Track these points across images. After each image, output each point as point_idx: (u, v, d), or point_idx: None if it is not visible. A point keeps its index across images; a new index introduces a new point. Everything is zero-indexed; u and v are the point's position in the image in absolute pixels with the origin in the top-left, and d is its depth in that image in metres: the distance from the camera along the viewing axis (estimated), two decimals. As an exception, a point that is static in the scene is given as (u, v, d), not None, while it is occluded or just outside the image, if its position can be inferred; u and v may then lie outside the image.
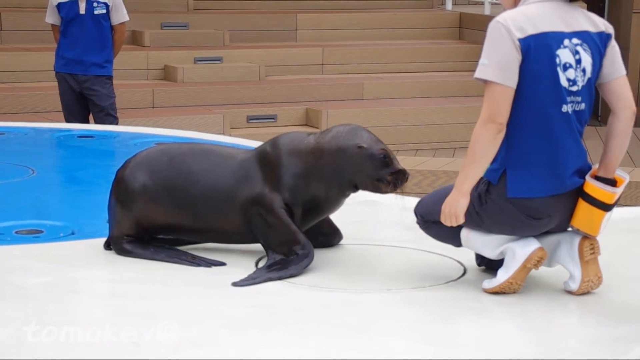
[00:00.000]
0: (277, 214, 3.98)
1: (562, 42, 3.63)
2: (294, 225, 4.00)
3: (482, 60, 3.60)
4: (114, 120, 8.01)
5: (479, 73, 3.60)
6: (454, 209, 3.65)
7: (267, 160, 4.06)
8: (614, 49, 3.74)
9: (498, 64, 3.57)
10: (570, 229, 3.78)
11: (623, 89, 3.73)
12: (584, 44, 3.66)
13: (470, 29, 13.13)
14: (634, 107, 3.73)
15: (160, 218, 4.13)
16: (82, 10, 7.89)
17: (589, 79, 3.67)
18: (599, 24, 3.72)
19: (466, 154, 3.64)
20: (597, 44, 3.69)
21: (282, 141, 4.10)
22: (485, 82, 3.60)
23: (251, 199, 4.02)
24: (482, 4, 13.95)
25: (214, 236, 4.18)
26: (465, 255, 4.09)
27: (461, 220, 3.68)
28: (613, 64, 3.72)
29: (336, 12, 13.17)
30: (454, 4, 14.34)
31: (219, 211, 4.07)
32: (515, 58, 3.58)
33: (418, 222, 3.97)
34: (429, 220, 3.90)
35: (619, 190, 3.67)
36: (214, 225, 4.11)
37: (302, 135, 4.12)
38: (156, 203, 4.11)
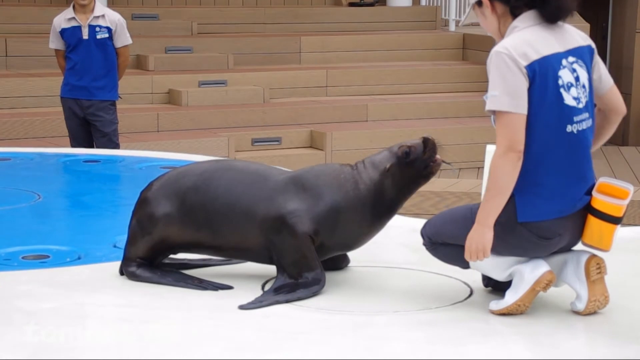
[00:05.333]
0: (299, 237, 3.96)
1: (560, 63, 3.66)
2: (314, 252, 3.98)
3: (492, 92, 3.60)
4: (116, 147, 8.02)
5: (492, 105, 3.60)
6: (481, 244, 3.64)
7: (304, 187, 4.03)
8: (598, 61, 3.81)
9: (509, 93, 3.58)
10: (581, 245, 3.78)
11: (616, 98, 3.84)
12: (579, 60, 3.70)
13: (474, 50, 13.16)
14: (624, 112, 3.87)
15: (180, 237, 4.12)
16: (85, 36, 7.90)
17: (589, 94, 3.72)
18: (585, 37, 3.79)
19: (487, 187, 3.62)
20: (588, 57, 3.75)
21: (322, 173, 4.09)
22: (495, 113, 3.60)
23: (276, 217, 3.98)
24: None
25: (234, 253, 4.17)
26: (472, 276, 4.09)
27: (488, 254, 3.66)
28: (601, 76, 3.79)
29: (340, 35, 13.22)
30: (457, 25, 14.39)
31: (239, 228, 4.04)
32: (524, 84, 3.59)
33: (425, 244, 3.97)
34: (437, 242, 3.89)
35: (626, 202, 3.68)
36: (233, 242, 4.08)
37: (337, 168, 4.09)
38: (177, 224, 4.10)
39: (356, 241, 4.11)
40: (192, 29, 12.71)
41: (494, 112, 3.61)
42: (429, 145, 4.02)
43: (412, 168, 4.01)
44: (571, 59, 3.68)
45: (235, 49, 12.26)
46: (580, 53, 3.71)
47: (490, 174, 3.61)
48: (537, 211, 3.64)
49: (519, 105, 3.59)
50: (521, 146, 3.58)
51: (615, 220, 3.67)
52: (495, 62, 3.61)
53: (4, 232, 5.23)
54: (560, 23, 3.72)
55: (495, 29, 3.76)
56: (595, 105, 3.79)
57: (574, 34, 3.76)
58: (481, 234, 3.63)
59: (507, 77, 3.58)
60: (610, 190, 3.68)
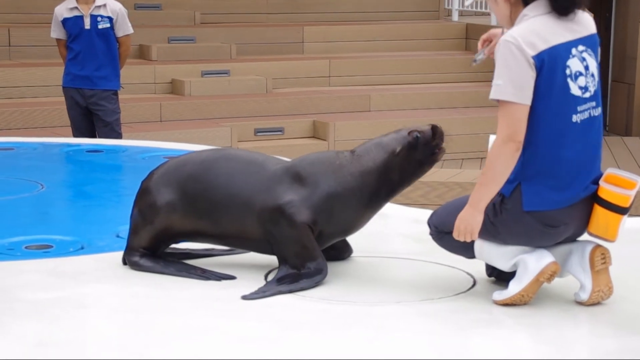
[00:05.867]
0: (298, 227, 3.96)
1: (570, 52, 3.65)
2: (314, 241, 3.99)
3: (497, 81, 3.60)
4: (118, 136, 8.02)
5: (495, 94, 3.60)
6: (470, 226, 3.65)
7: (299, 176, 4.03)
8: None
9: (513, 83, 3.57)
10: (587, 235, 3.78)
11: None
12: (588, 49, 3.70)
13: (477, 40, 13.10)
14: None
15: (182, 226, 4.12)
16: (87, 25, 7.90)
17: (598, 82, 3.71)
18: (594, 25, 3.78)
19: (482, 172, 3.63)
20: (596, 45, 3.74)
21: (317, 160, 4.08)
22: (499, 101, 3.60)
23: (273, 208, 3.98)
24: (489, 14, 13.95)
25: (235, 243, 4.16)
26: (475, 266, 4.09)
27: (476, 237, 3.68)
28: None
29: (342, 24, 13.20)
30: (461, 14, 14.36)
31: (238, 218, 4.04)
32: (530, 76, 3.58)
33: (431, 233, 3.97)
34: (443, 231, 3.89)
35: (633, 193, 3.68)
36: (234, 232, 4.08)
37: (332, 155, 4.10)
38: (178, 213, 4.10)
39: (355, 226, 4.11)
40: (195, 18, 12.70)
41: (498, 100, 3.61)
42: (438, 132, 4.03)
43: (418, 153, 4.02)
44: (581, 47, 3.67)
45: (238, 38, 12.25)
46: (591, 41, 3.71)
47: (487, 161, 3.61)
48: (543, 200, 3.64)
49: (523, 96, 3.58)
50: (521, 137, 3.58)
51: (621, 211, 3.67)
52: (502, 51, 3.60)
53: (7, 222, 5.24)
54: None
55: (506, 17, 3.75)
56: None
57: (585, 22, 3.74)
58: (471, 216, 3.64)
59: (512, 66, 3.58)
60: (617, 181, 3.68)
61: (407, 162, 4.02)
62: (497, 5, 3.77)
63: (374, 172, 4.02)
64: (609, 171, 3.72)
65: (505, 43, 3.60)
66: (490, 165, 3.60)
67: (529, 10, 3.69)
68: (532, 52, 3.59)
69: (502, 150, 3.57)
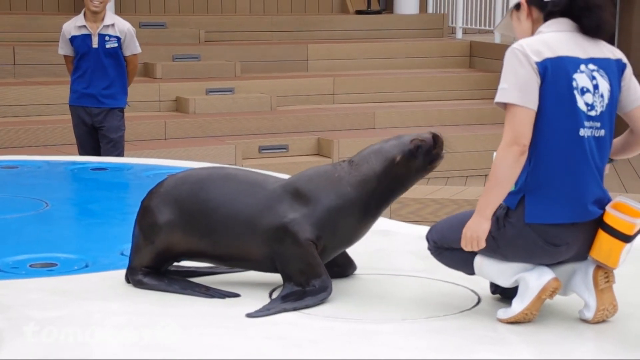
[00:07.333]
0: (303, 244, 3.97)
1: (578, 67, 3.65)
2: (318, 258, 3.99)
3: (502, 85, 3.62)
4: (121, 153, 8.03)
5: (500, 97, 3.62)
6: (476, 233, 3.65)
7: (299, 193, 4.04)
8: (631, 78, 3.77)
9: (518, 86, 3.59)
10: (588, 259, 3.77)
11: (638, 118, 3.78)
12: (601, 70, 3.68)
13: (481, 58, 13.15)
14: None
15: (183, 246, 4.13)
16: (95, 44, 7.92)
17: (608, 105, 3.68)
18: (615, 52, 3.76)
19: (488, 178, 3.64)
20: (614, 70, 3.71)
21: (315, 175, 4.09)
22: (506, 106, 3.61)
23: (277, 227, 3.99)
24: (492, 32, 13.98)
25: (236, 263, 4.17)
26: (479, 284, 4.08)
27: (482, 245, 3.67)
28: (630, 91, 3.75)
29: (347, 42, 13.23)
30: (464, 32, 14.39)
31: (240, 238, 4.05)
32: (535, 80, 3.60)
33: (429, 248, 3.97)
34: (442, 246, 3.89)
35: (638, 221, 3.66)
36: (235, 252, 4.09)
37: (330, 168, 4.11)
38: (178, 232, 4.11)
39: (357, 236, 4.11)
40: (200, 36, 12.73)
41: (504, 105, 3.62)
42: (439, 141, 4.05)
43: (418, 161, 4.03)
44: (592, 66, 3.67)
45: (243, 56, 12.28)
46: (604, 64, 3.69)
47: (492, 165, 3.61)
48: (545, 213, 3.64)
49: (528, 100, 3.59)
50: (526, 140, 3.58)
51: (625, 238, 3.65)
52: (508, 57, 3.63)
53: (11, 240, 5.24)
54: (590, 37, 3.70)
55: (527, 34, 3.76)
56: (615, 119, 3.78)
57: (602, 47, 3.73)
58: (478, 224, 3.64)
59: (518, 71, 3.59)
60: (624, 209, 3.66)
61: (406, 170, 4.04)
62: (520, 23, 3.78)
63: (374, 180, 4.03)
64: (618, 199, 3.71)
65: (511, 50, 3.63)
66: (494, 170, 3.60)
67: (545, 27, 3.71)
68: (537, 59, 3.60)
69: (506, 154, 3.58)
